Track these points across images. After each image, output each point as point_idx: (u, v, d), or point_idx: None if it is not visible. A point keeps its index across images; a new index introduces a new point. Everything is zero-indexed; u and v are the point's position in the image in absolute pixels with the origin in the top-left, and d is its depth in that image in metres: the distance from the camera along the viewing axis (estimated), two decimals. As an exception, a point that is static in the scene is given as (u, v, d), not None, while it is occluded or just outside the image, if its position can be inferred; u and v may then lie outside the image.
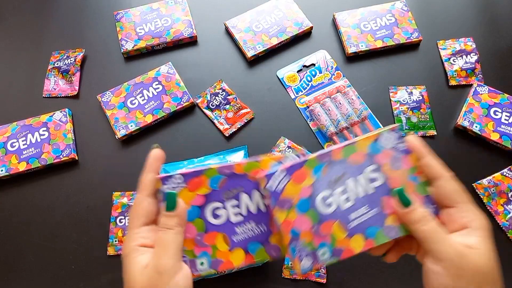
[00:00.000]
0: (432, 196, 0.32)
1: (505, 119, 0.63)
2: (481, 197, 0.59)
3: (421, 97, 0.66)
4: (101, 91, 0.67)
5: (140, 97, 0.66)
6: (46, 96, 0.70)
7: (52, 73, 0.71)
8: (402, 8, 0.73)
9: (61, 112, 0.66)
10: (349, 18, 0.72)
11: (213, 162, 0.60)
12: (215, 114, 0.67)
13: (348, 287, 0.55)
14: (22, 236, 0.60)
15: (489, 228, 0.30)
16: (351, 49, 0.70)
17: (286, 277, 0.56)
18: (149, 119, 0.64)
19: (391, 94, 0.67)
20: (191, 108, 0.68)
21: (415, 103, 0.66)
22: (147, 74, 0.68)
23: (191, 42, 0.73)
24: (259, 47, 0.70)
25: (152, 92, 0.66)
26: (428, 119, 0.65)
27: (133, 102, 0.66)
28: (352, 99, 0.65)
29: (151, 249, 0.30)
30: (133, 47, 0.71)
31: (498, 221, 0.58)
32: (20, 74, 0.72)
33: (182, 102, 0.66)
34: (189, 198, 0.32)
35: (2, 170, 0.61)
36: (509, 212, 0.58)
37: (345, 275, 0.56)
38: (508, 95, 0.64)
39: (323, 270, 0.56)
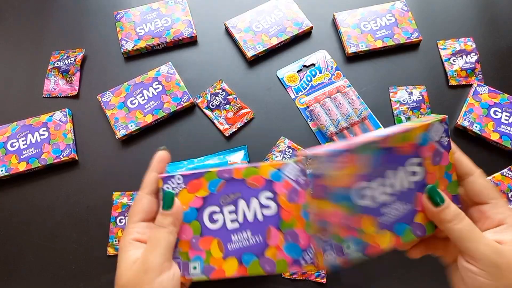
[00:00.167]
0: (459, 196, 0.31)
1: (505, 119, 0.63)
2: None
3: (421, 97, 0.66)
4: (101, 91, 0.67)
5: (140, 97, 0.66)
6: (46, 96, 0.70)
7: (52, 73, 0.71)
8: (402, 8, 0.73)
9: (61, 112, 0.66)
10: (349, 18, 0.72)
11: (212, 162, 0.60)
12: (215, 114, 0.67)
13: (348, 287, 0.55)
14: (22, 236, 0.60)
15: None
16: (351, 49, 0.70)
17: (286, 277, 0.56)
18: (149, 119, 0.64)
19: (391, 94, 0.67)
20: (191, 108, 0.68)
21: (415, 103, 0.66)
22: (147, 74, 0.68)
23: (191, 42, 0.73)
24: (259, 47, 0.70)
25: (152, 92, 0.66)
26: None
27: (133, 102, 0.66)
28: (352, 99, 0.65)
29: (145, 245, 0.30)
30: (133, 47, 0.71)
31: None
32: (20, 74, 0.72)
33: (182, 102, 0.66)
34: (188, 200, 0.32)
35: (2, 170, 0.61)
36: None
37: (345, 275, 0.56)
38: (508, 95, 0.64)
39: (323, 270, 0.56)
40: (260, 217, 0.31)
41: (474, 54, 0.69)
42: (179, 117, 0.67)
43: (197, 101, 0.68)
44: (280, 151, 0.63)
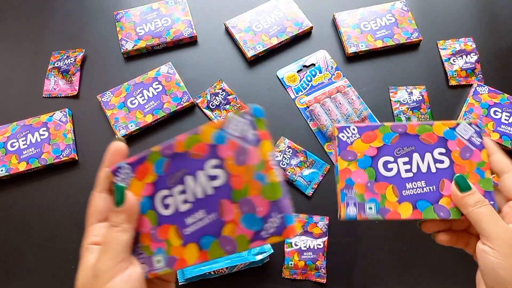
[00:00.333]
0: (494, 194, 0.33)
1: (505, 119, 0.63)
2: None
3: (421, 97, 0.66)
4: (101, 91, 0.67)
5: (140, 97, 0.66)
6: (46, 96, 0.70)
7: (52, 73, 0.71)
8: (402, 8, 0.73)
9: (61, 112, 0.66)
10: (349, 18, 0.72)
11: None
12: (215, 114, 0.67)
13: (348, 287, 0.55)
14: (22, 236, 0.60)
15: None
16: (351, 49, 0.70)
17: (286, 277, 0.56)
18: (149, 119, 0.64)
19: (391, 94, 0.67)
20: (191, 108, 0.68)
21: (415, 103, 0.66)
22: (147, 74, 0.68)
23: (191, 42, 0.73)
24: (259, 47, 0.70)
25: (152, 92, 0.66)
26: (428, 119, 0.65)
27: (133, 102, 0.66)
28: (352, 99, 0.65)
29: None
30: (133, 47, 0.71)
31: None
32: (20, 74, 0.72)
33: (182, 102, 0.66)
34: (139, 189, 0.28)
35: (2, 170, 0.61)
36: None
37: (345, 276, 0.56)
38: (508, 95, 0.64)
39: (323, 270, 0.56)
40: (210, 191, 0.26)
41: (474, 54, 0.69)
42: (179, 117, 0.67)
43: (197, 101, 0.68)
44: (280, 151, 0.63)
